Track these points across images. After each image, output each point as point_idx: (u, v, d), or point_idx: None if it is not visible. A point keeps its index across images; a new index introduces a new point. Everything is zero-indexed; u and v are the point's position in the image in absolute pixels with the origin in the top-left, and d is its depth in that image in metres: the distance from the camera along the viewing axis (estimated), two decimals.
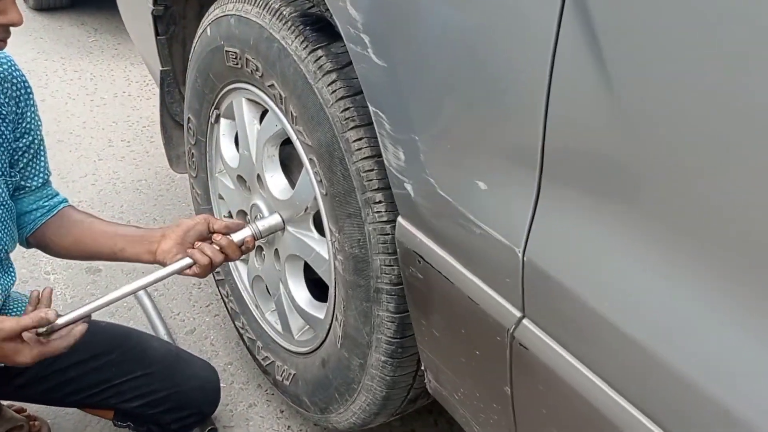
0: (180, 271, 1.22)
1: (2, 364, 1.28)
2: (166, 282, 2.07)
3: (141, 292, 1.99)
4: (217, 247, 1.23)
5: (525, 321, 0.81)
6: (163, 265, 1.23)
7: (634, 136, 0.65)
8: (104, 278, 2.07)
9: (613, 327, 0.71)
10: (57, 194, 1.36)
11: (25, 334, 1.10)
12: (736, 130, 0.56)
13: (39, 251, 1.38)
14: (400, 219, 1.00)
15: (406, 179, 0.94)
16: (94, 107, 3.07)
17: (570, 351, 0.78)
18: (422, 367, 1.13)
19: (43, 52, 3.62)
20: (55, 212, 1.32)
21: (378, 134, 0.97)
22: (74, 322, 1.14)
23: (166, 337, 1.84)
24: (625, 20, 0.62)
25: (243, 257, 1.43)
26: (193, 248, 1.23)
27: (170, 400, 1.41)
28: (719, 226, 0.60)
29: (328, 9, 1.17)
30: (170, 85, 1.81)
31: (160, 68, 1.78)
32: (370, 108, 0.97)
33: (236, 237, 1.27)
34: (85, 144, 2.77)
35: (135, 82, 3.32)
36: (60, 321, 1.12)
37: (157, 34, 1.71)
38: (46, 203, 1.31)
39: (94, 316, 1.20)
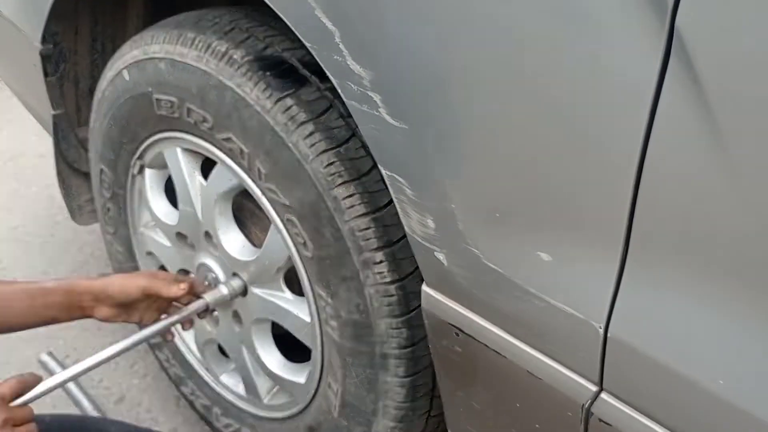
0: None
1: None
2: (77, 345, 1.86)
3: (51, 363, 1.76)
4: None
5: (603, 395, 0.76)
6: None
7: (734, 200, 0.61)
8: (1, 353, 1.80)
9: (701, 391, 0.68)
10: None
11: None
12: None
13: None
14: (426, 288, 0.91)
15: (438, 249, 0.85)
16: None
17: (655, 419, 0.74)
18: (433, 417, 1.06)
19: None
20: None
21: (396, 200, 0.87)
22: (49, 391, 1.01)
23: (94, 413, 1.64)
24: (732, 78, 0.57)
25: None
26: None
27: None
28: None
29: (286, 49, 1.05)
30: (65, 130, 1.58)
31: (52, 112, 1.54)
32: (384, 172, 0.87)
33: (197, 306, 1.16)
34: None
35: None
36: (32, 394, 0.98)
37: (46, 75, 1.47)
38: None
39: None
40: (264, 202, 1.10)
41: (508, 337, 0.82)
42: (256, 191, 1.10)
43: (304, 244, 1.06)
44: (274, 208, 1.08)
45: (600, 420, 0.77)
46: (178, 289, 1.13)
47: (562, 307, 0.75)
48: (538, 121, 0.70)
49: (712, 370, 0.68)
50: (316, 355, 1.17)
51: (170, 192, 1.35)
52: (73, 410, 1.66)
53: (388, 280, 1.00)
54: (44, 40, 1.41)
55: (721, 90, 0.58)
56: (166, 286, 1.12)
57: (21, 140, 2.75)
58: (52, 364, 1.75)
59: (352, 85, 0.84)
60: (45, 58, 1.45)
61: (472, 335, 0.86)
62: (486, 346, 0.85)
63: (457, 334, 0.88)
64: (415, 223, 0.86)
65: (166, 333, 1.16)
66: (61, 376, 1.06)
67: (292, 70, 1.03)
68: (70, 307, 1.10)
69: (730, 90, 0.57)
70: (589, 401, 0.77)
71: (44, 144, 1.67)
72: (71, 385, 1.70)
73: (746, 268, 0.63)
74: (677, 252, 0.67)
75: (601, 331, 0.72)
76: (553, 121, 0.68)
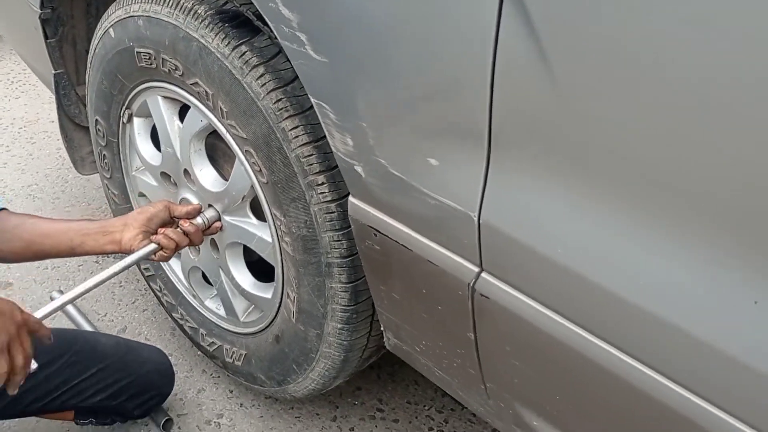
0: (147, 257, 1.29)
1: None
2: None
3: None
4: (182, 232, 1.31)
5: (484, 274, 0.94)
6: (129, 252, 1.28)
7: (567, 108, 0.78)
8: (18, 291, 2.02)
9: (562, 267, 0.84)
10: None
11: None
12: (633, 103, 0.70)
13: None
14: (351, 198, 1.09)
15: (356, 162, 1.02)
16: None
17: (525, 292, 0.91)
18: (381, 327, 1.24)
19: None
20: None
21: (323, 123, 1.05)
22: (50, 314, 1.21)
23: (89, 329, 1.85)
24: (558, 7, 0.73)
25: None
26: (158, 234, 1.29)
27: (131, 387, 1.46)
28: (629, 171, 0.74)
29: (243, 4, 1.22)
30: (65, 87, 1.77)
31: (53, 72, 1.73)
32: (313, 100, 1.04)
33: (199, 220, 1.36)
34: None
35: None
36: (38, 314, 1.17)
37: (46, 37, 1.66)
38: None
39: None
40: (228, 137, 1.28)
41: (411, 232, 1.00)
42: (221, 128, 1.29)
43: (260, 171, 1.24)
44: (236, 142, 1.26)
45: (481, 295, 0.94)
46: (193, 208, 1.35)
47: (447, 202, 0.92)
48: (415, 54, 0.87)
49: (558, 244, 0.85)
50: (278, 271, 1.36)
51: (155, 139, 1.54)
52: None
53: (329, 199, 1.18)
54: (43, 5, 1.60)
55: (546, 16, 0.74)
56: (181, 207, 1.35)
57: (35, 108, 2.96)
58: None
59: (284, 27, 1.02)
60: (44, 22, 1.64)
61: (386, 234, 1.04)
62: (396, 242, 1.03)
63: (375, 234, 1.06)
64: (338, 142, 1.04)
65: (155, 252, 1.32)
66: (68, 294, 1.24)
67: (247, 21, 1.21)
68: (101, 233, 1.30)
69: (554, 16, 0.74)
70: (473, 280, 0.95)
71: (55, 111, 1.86)
72: (70, 307, 1.91)
73: (580, 161, 0.79)
74: (528, 151, 0.83)
75: (475, 218, 0.90)
76: (426, 55, 0.86)
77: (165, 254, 1.29)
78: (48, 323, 1.84)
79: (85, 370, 1.43)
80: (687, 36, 0.64)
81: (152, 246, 1.29)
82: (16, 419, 1.62)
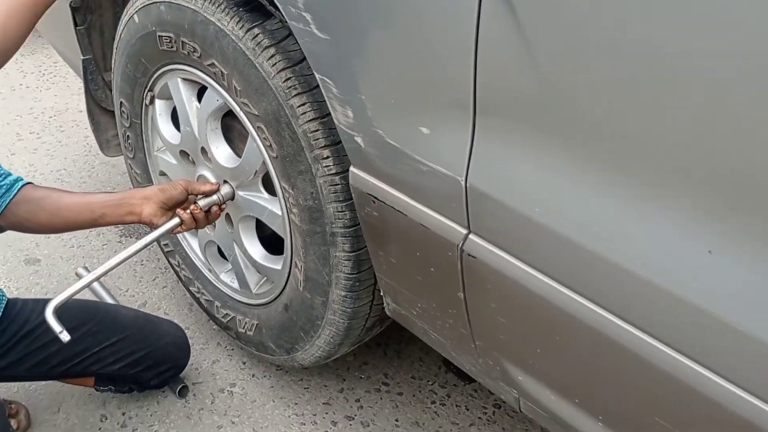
0: (169, 232, 1.38)
1: None
2: None
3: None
4: (201, 210, 1.40)
5: (471, 236, 1.01)
6: (151, 225, 1.38)
7: (544, 77, 0.85)
8: (45, 267, 2.13)
9: (541, 226, 0.91)
10: (10, 173, 1.38)
11: None
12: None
13: None
14: (352, 168, 1.17)
15: (356, 133, 1.10)
16: None
17: (509, 252, 0.98)
18: (381, 294, 1.32)
19: None
20: (15, 191, 1.34)
21: (326, 98, 1.13)
22: (81, 289, 1.31)
23: (111, 301, 1.95)
24: None
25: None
26: (180, 211, 1.38)
27: (149, 358, 1.55)
28: (600, 135, 0.81)
29: None
30: (93, 72, 1.88)
31: (82, 57, 1.84)
32: (317, 76, 1.13)
33: (215, 198, 1.45)
34: None
35: (30, 74, 3.27)
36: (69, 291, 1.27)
37: (75, 25, 1.77)
38: (2, 183, 1.34)
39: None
40: (241, 114, 1.37)
41: (405, 198, 1.07)
42: (234, 106, 1.37)
43: (271, 146, 1.33)
44: (248, 119, 1.35)
45: (469, 255, 1.02)
46: (209, 188, 1.44)
47: (437, 167, 1.00)
48: (406, 30, 0.95)
49: (535, 204, 0.92)
50: (287, 242, 1.45)
51: (174, 121, 1.64)
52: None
53: (333, 171, 1.26)
54: None
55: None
56: (201, 184, 1.44)
57: (65, 98, 3.09)
58: (86, 275, 2.06)
59: (292, 8, 1.10)
60: (74, 10, 1.74)
61: (383, 200, 1.12)
62: (392, 207, 1.10)
63: (374, 201, 1.14)
64: (340, 115, 1.12)
65: (175, 228, 1.41)
66: (95, 273, 1.33)
67: (259, 6, 1.29)
68: (121, 204, 1.39)
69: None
70: (462, 241, 1.02)
71: (83, 101, 1.97)
72: (102, 292, 2.01)
73: (555, 127, 0.87)
74: (510, 119, 0.91)
75: (463, 183, 0.97)
76: (408, 28, 0.94)
77: (183, 229, 1.39)
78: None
79: (106, 339, 1.53)
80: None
81: (175, 220, 1.38)
82: (43, 383, 1.73)
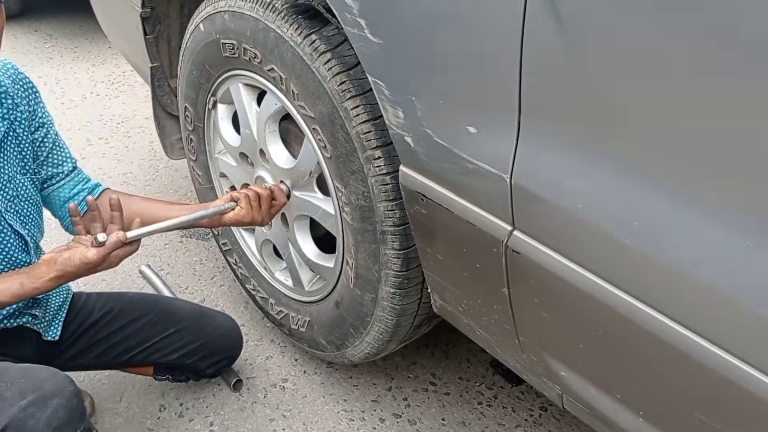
0: (222, 212, 1.43)
1: (58, 331, 1.47)
2: (170, 261, 2.26)
3: (149, 273, 2.17)
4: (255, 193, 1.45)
5: (516, 232, 1.04)
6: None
7: (585, 78, 0.88)
8: None
9: (583, 222, 0.94)
10: (90, 179, 1.51)
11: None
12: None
13: None
14: (402, 167, 1.21)
15: (406, 133, 1.15)
16: (66, 110, 3.19)
17: (552, 248, 1.01)
18: (428, 290, 1.36)
19: None
20: (97, 195, 1.48)
21: (378, 99, 1.18)
22: (139, 238, 1.31)
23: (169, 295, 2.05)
24: None
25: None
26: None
27: (204, 348, 1.62)
28: (648, 139, 0.83)
29: None
30: (160, 79, 1.98)
31: (150, 65, 1.94)
32: (370, 78, 1.18)
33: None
34: None
35: (101, 83, 3.44)
36: (129, 234, 1.29)
37: (145, 34, 1.87)
38: (85, 186, 1.48)
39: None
40: (297, 117, 1.43)
41: (452, 195, 1.11)
42: (291, 109, 1.44)
43: (325, 147, 1.38)
44: (305, 121, 1.41)
45: (513, 251, 1.05)
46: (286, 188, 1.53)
47: (484, 166, 1.04)
48: (456, 34, 1.00)
49: (579, 201, 0.95)
50: (339, 241, 1.50)
51: (235, 125, 1.72)
52: None
53: (384, 171, 1.31)
54: (144, 5, 1.81)
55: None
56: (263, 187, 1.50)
57: (132, 106, 3.24)
58: (149, 272, 2.17)
59: (347, 15, 1.16)
60: (144, 20, 1.85)
61: (431, 198, 1.16)
62: (440, 205, 1.14)
63: (422, 199, 1.18)
64: (391, 116, 1.17)
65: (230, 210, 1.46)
66: (149, 227, 1.34)
67: (317, 14, 1.36)
68: (193, 208, 1.47)
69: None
70: (507, 237, 1.05)
71: (151, 109, 2.08)
72: (154, 277, 2.11)
73: (599, 126, 0.89)
74: (553, 119, 0.94)
75: (508, 180, 1.01)
76: (465, 34, 0.98)
77: (240, 213, 1.43)
78: (131, 288, 2.06)
79: (164, 330, 1.61)
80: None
81: (229, 204, 1.44)
82: (107, 373, 1.82)
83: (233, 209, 1.44)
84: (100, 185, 1.51)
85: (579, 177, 0.94)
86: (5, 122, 1.34)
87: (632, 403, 1.02)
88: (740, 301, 0.80)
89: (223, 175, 1.85)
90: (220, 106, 1.72)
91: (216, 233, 1.97)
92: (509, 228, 1.05)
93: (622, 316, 0.94)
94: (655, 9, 0.77)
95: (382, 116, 1.26)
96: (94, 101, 3.27)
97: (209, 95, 1.71)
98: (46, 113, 1.46)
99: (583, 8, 0.84)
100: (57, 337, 1.50)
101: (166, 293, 2.08)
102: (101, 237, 1.24)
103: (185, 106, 1.81)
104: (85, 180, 1.49)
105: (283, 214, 1.63)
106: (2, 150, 1.33)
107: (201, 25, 1.61)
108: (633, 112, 0.84)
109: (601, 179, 0.91)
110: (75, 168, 1.49)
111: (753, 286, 0.79)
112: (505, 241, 1.06)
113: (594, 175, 0.92)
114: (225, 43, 1.54)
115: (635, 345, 0.95)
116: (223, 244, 1.95)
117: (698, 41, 0.74)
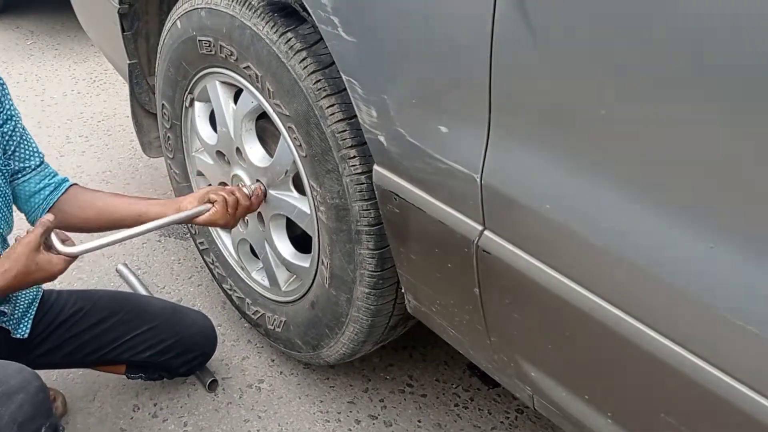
0: (198, 214, 1.43)
1: (27, 329, 1.45)
2: (148, 260, 2.24)
3: (126, 272, 2.15)
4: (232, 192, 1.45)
5: (486, 232, 1.04)
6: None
7: (554, 78, 0.88)
8: (87, 264, 2.21)
9: (552, 223, 0.94)
10: (57, 174, 1.49)
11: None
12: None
13: None
14: (375, 166, 1.21)
15: (380, 132, 1.15)
16: (46, 107, 3.16)
17: (521, 248, 1.00)
18: (403, 290, 1.36)
19: None
20: (63, 190, 1.46)
21: (352, 98, 1.18)
22: (88, 251, 1.31)
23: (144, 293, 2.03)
24: None
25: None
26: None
27: (177, 346, 1.61)
28: (616, 140, 0.83)
29: None
30: (138, 77, 1.97)
31: (128, 62, 1.93)
32: (343, 77, 1.17)
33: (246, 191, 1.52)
34: (44, 143, 2.86)
35: (82, 80, 3.41)
36: (76, 250, 1.29)
37: (123, 30, 1.86)
38: (51, 181, 1.45)
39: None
40: (273, 115, 1.42)
41: (424, 195, 1.11)
42: (267, 107, 1.43)
43: (300, 146, 1.38)
44: (280, 119, 1.41)
45: (484, 251, 1.05)
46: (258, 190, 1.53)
47: (455, 165, 1.03)
48: (426, 33, 0.99)
49: (547, 201, 0.94)
50: (314, 241, 1.49)
51: (212, 123, 1.70)
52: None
53: (359, 171, 1.30)
54: (121, 2, 1.79)
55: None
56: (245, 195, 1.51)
57: (113, 104, 3.22)
58: (125, 271, 2.15)
59: (321, 12, 1.16)
60: (122, 16, 1.83)
61: (404, 198, 1.15)
62: (412, 204, 1.14)
63: (395, 199, 1.18)
64: (365, 115, 1.16)
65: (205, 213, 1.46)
66: (107, 239, 1.34)
67: (293, 12, 1.35)
68: (164, 203, 1.47)
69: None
70: (477, 237, 1.05)
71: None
72: (129, 275, 2.09)
73: (568, 127, 0.89)
74: (523, 119, 0.94)
75: (478, 179, 1.00)
76: (428, 33, 0.98)
77: (216, 212, 1.43)
78: (108, 287, 2.03)
79: (137, 328, 1.59)
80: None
81: (205, 206, 1.44)
82: (80, 372, 1.80)
83: (208, 211, 1.43)
84: (67, 180, 1.50)
85: (548, 178, 0.94)
86: None
87: (600, 404, 1.02)
88: (706, 301, 0.80)
89: (200, 174, 1.84)
90: (198, 104, 1.71)
91: (193, 232, 1.96)
92: (480, 228, 1.05)
93: (589, 316, 0.93)
94: (621, 13, 0.77)
95: (356, 116, 1.26)
96: (74, 99, 3.25)
97: (186, 93, 1.70)
98: (13, 106, 1.44)
99: (551, 9, 0.84)
100: (26, 335, 1.48)
101: (143, 292, 2.06)
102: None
103: (163, 104, 1.80)
104: (52, 174, 1.47)
105: (259, 213, 1.63)
106: None
107: (178, 22, 1.59)
108: (600, 113, 0.84)
109: (569, 180, 0.91)
110: (42, 162, 1.48)
111: (718, 287, 0.79)
112: (475, 241, 1.06)
113: (562, 176, 0.92)
114: (202, 41, 1.53)
115: (602, 345, 0.95)
116: (200, 243, 1.94)
117: (664, 44, 0.74)
